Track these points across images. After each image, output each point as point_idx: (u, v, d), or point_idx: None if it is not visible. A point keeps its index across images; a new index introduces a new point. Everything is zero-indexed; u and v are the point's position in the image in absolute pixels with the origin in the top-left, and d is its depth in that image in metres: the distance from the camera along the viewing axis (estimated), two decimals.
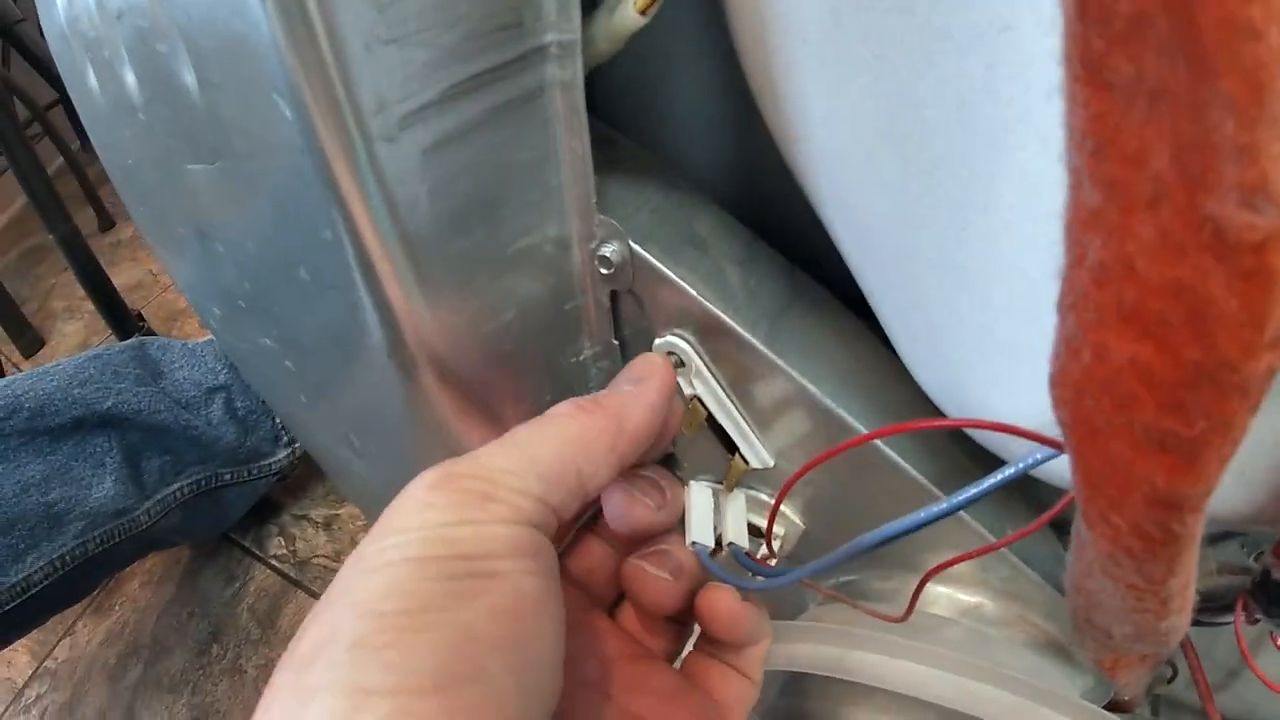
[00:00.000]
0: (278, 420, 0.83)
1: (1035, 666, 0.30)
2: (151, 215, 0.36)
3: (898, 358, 0.35)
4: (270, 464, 0.83)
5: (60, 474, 0.66)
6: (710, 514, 0.35)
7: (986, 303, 0.23)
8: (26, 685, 0.83)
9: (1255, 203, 0.09)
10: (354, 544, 0.88)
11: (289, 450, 0.84)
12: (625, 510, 0.26)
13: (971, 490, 0.21)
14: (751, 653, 0.26)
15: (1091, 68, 0.10)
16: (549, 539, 0.21)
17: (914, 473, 0.30)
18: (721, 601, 0.25)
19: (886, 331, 0.31)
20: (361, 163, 0.23)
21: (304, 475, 0.94)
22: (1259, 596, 0.23)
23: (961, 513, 0.31)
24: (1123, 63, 0.09)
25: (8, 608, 0.62)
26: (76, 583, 0.68)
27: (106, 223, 1.70)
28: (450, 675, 0.17)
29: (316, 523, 0.90)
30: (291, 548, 0.88)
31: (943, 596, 0.34)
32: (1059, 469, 0.26)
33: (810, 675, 0.35)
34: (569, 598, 0.22)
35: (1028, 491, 0.34)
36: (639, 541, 0.28)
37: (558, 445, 0.22)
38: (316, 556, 0.86)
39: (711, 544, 0.34)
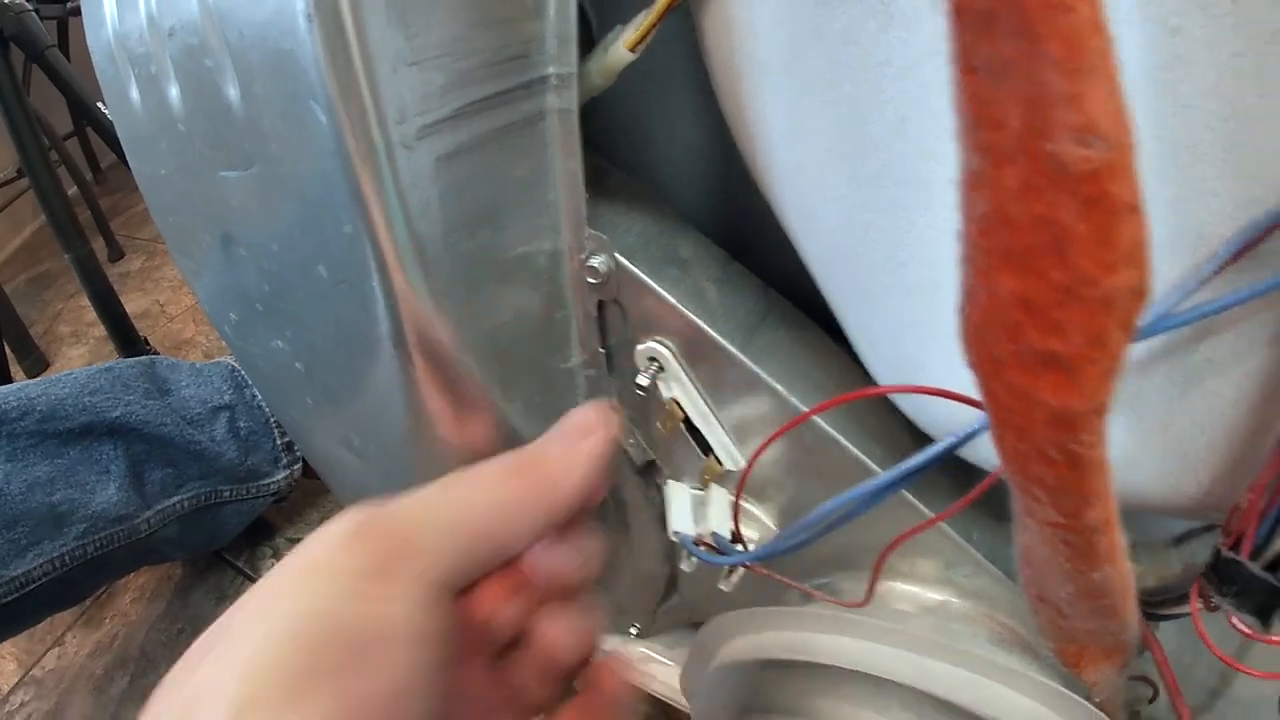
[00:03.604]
0: (278, 442, 0.86)
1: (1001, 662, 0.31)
2: (179, 224, 0.39)
3: (861, 368, 0.38)
4: (269, 484, 0.85)
5: (66, 476, 0.68)
6: (689, 507, 0.38)
7: (931, 300, 0.26)
8: (12, 692, 0.83)
9: (1086, 140, 0.11)
10: None
11: (287, 472, 0.86)
12: (549, 566, 0.26)
13: (919, 458, 0.23)
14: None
15: (965, 57, 0.12)
16: (454, 594, 0.22)
17: (877, 470, 0.33)
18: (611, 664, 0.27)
19: (848, 336, 0.34)
20: (383, 165, 0.26)
21: (300, 500, 0.95)
22: (1212, 577, 0.24)
23: (916, 501, 0.33)
24: (983, 48, 0.12)
25: (5, 601, 0.64)
26: (72, 584, 0.69)
27: (116, 253, 1.74)
28: None
29: None
30: None
31: (909, 595, 0.36)
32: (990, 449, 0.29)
33: (778, 675, 0.37)
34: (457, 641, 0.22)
35: (991, 495, 0.36)
36: (551, 592, 0.27)
37: (486, 513, 0.22)
38: None
39: (692, 533, 0.37)
